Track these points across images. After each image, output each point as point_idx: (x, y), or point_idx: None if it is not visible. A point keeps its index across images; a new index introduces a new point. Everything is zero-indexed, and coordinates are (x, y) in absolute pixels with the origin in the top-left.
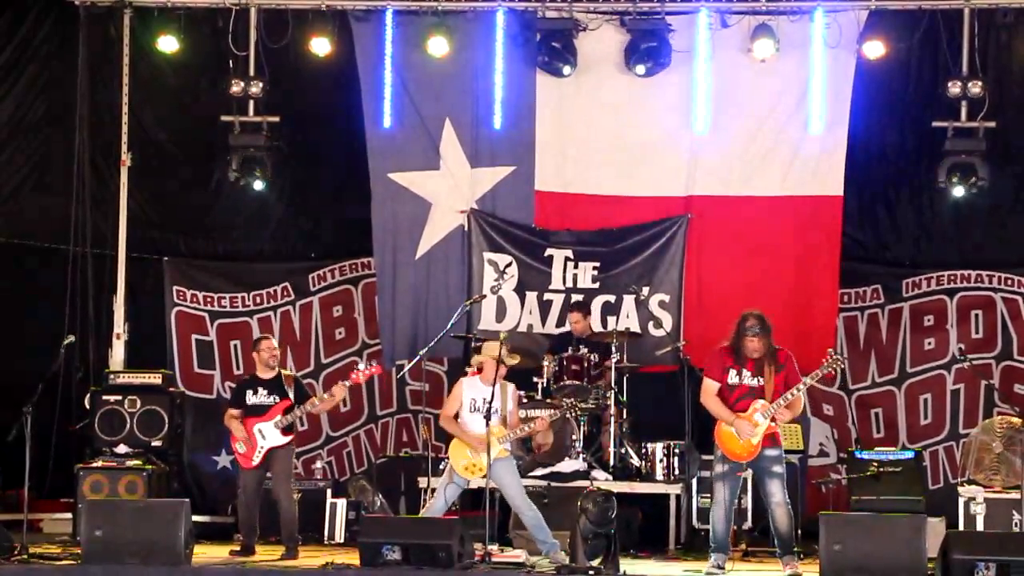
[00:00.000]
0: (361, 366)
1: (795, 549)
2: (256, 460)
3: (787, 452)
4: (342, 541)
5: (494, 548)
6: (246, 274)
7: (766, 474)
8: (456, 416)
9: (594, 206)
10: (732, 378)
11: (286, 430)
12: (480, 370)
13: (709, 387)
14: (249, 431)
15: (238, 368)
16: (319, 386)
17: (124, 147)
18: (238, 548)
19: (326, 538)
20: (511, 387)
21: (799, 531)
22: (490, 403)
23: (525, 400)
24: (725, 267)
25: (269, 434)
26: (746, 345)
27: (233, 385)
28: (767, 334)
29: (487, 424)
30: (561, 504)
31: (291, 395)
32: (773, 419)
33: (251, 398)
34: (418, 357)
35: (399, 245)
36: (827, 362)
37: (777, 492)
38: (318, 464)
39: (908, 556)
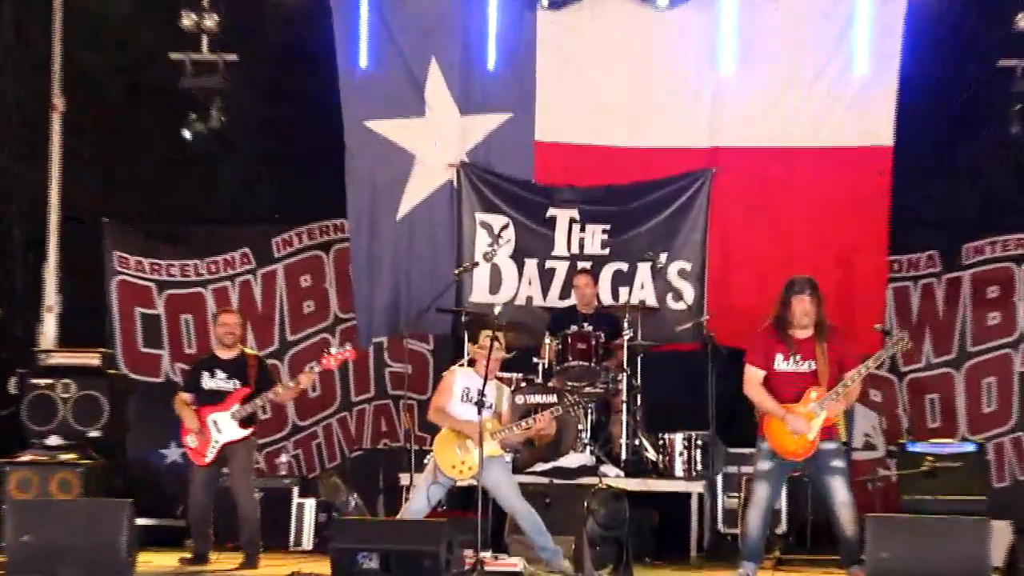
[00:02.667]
0: (333, 348)
1: (863, 558)
2: (210, 456)
3: None
4: (310, 548)
5: (487, 555)
6: (199, 238)
7: (825, 471)
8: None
9: (604, 159)
10: (779, 364)
11: (245, 421)
12: (474, 362)
13: (753, 376)
14: (203, 422)
15: (190, 347)
16: (284, 368)
17: (56, 90)
18: (189, 556)
19: (292, 544)
20: (506, 391)
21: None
22: (482, 392)
23: (523, 384)
24: (755, 230)
25: (226, 426)
26: (795, 312)
27: (185, 366)
28: (819, 300)
29: (479, 415)
30: (565, 505)
31: (253, 380)
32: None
33: (207, 382)
34: (399, 334)
35: (377, 204)
36: (890, 343)
37: (840, 490)
38: (283, 458)
39: (968, 565)
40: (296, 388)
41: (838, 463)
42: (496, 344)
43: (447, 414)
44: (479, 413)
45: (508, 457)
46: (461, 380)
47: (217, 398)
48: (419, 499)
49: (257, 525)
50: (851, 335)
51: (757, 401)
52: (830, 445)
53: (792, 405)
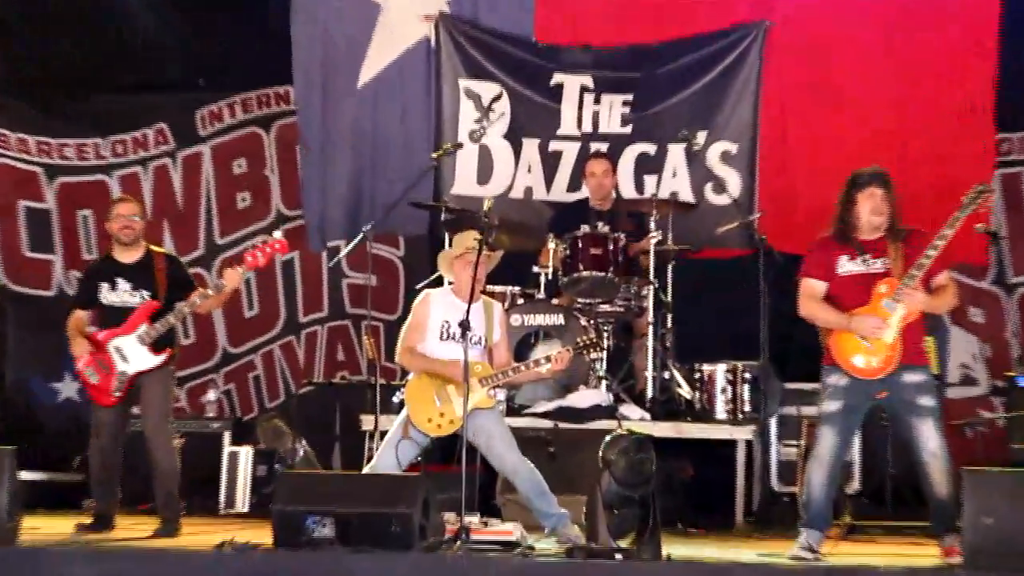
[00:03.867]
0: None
1: (958, 524)
2: (117, 392)
3: None
4: (246, 509)
5: (474, 520)
6: (102, 109)
7: (910, 411)
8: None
9: (625, 9)
10: (843, 266)
11: (157, 345)
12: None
13: (810, 289)
14: (104, 348)
15: (90, 252)
16: (211, 279)
17: None
18: (89, 520)
19: (223, 505)
20: (498, 311)
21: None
22: (466, 320)
23: (520, 301)
24: (822, 101)
25: (133, 353)
26: (861, 211)
27: (80, 275)
28: (892, 198)
29: (466, 356)
30: (574, 455)
31: (164, 288)
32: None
33: (107, 295)
34: (360, 236)
35: (332, 67)
36: (971, 193)
37: (930, 436)
38: (211, 395)
39: None
40: (220, 295)
41: (927, 400)
42: (485, 252)
43: (421, 356)
44: (464, 350)
45: (502, 397)
46: (438, 309)
47: (120, 316)
48: (386, 457)
49: (176, 481)
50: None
51: (814, 316)
52: (916, 376)
53: (860, 309)
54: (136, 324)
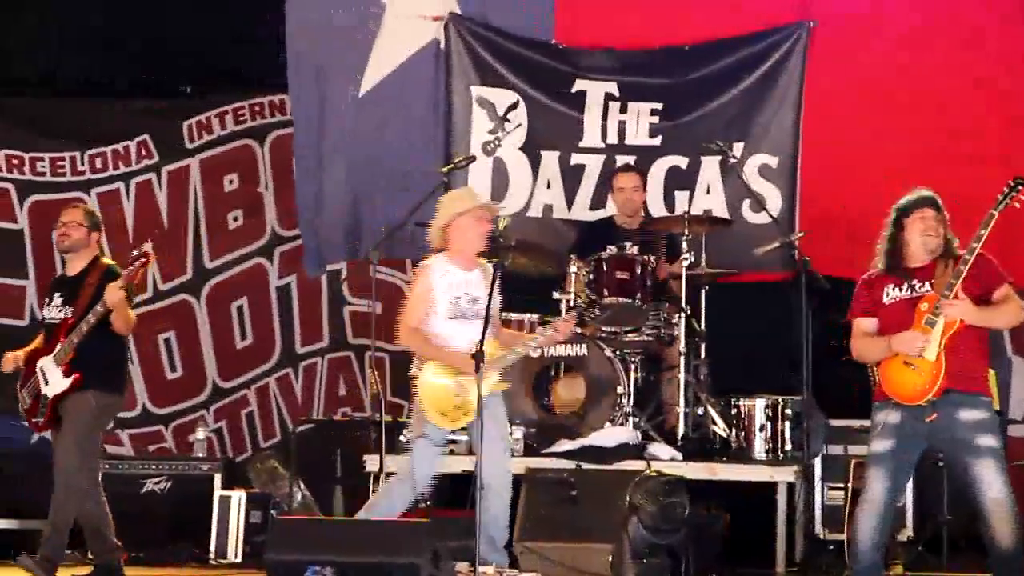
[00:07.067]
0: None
1: None
2: (38, 418)
3: None
4: (239, 559)
5: (488, 571)
6: (79, 119)
7: (967, 450)
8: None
9: (653, 9)
10: (889, 294)
11: (70, 367)
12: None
13: (860, 329)
14: (33, 368)
15: None
16: (202, 308)
17: None
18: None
19: (213, 554)
20: (490, 269)
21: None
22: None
23: (541, 328)
24: (873, 110)
25: (52, 375)
26: (911, 236)
27: None
28: (942, 215)
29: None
30: (598, 499)
31: (86, 300)
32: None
33: (45, 310)
34: (364, 258)
35: (332, 73)
36: (1006, 188)
37: (992, 480)
38: (199, 434)
39: None
40: (104, 309)
41: (987, 440)
42: (482, 210)
43: (427, 341)
44: (483, 333)
45: (519, 435)
46: (443, 282)
47: (51, 334)
48: (422, 469)
49: (103, 525)
50: (1012, 262)
51: (861, 354)
52: (973, 412)
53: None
54: (56, 343)
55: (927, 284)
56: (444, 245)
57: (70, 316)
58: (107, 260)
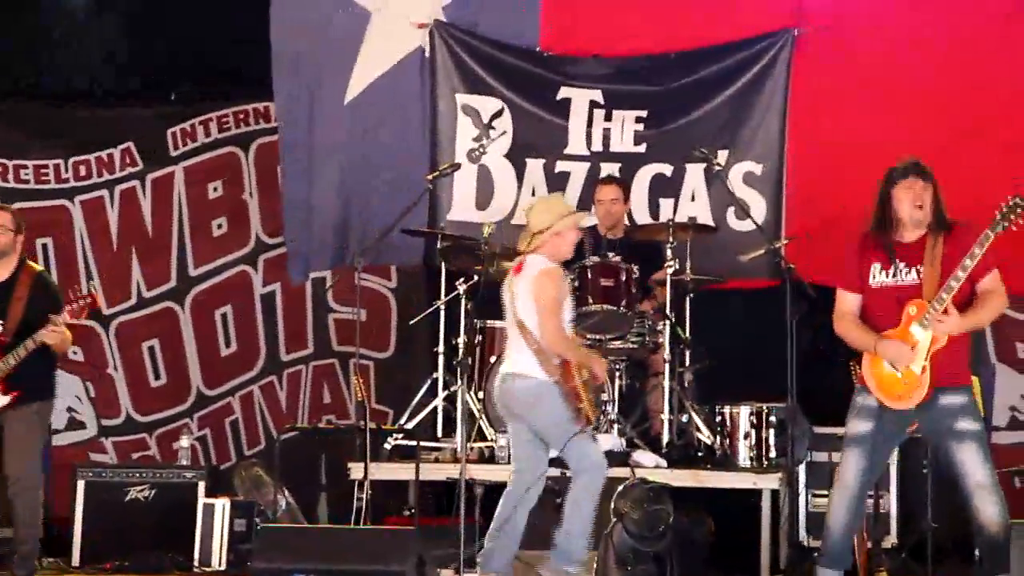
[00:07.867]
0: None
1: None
2: None
3: None
4: (223, 567)
5: None
6: (62, 126)
7: (952, 436)
8: None
9: (639, 17)
10: (876, 277)
11: (9, 383)
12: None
13: (844, 303)
14: None
15: None
16: (187, 316)
17: None
18: None
19: (197, 562)
20: None
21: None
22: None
23: None
24: (859, 116)
25: None
26: (900, 204)
27: None
28: (935, 186)
29: None
30: None
31: (20, 311)
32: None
33: None
34: (349, 264)
35: (318, 81)
36: (1004, 208)
37: (975, 464)
38: (183, 442)
39: None
40: (53, 331)
41: (968, 424)
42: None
43: (571, 341)
44: None
45: (504, 443)
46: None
47: None
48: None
49: (31, 534)
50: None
51: (845, 336)
52: (955, 398)
53: (890, 331)
54: None
55: (913, 271)
56: (536, 248)
57: (1, 333)
58: (35, 265)
